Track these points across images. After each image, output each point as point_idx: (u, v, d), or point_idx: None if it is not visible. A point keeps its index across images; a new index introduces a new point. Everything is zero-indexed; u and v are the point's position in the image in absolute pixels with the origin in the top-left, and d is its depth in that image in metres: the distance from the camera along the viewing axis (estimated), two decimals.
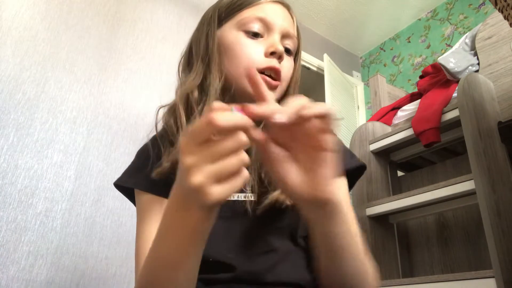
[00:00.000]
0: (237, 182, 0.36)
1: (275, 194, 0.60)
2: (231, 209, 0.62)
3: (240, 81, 0.65)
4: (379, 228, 1.63)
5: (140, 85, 1.79)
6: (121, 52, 1.79)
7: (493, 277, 1.14)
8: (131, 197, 0.68)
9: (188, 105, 0.65)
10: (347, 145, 1.98)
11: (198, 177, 0.35)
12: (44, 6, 1.63)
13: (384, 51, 3.20)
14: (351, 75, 3.19)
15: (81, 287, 1.35)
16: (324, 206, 0.43)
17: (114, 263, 1.44)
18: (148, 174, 0.62)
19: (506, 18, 1.04)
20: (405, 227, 1.77)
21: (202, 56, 0.68)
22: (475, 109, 1.36)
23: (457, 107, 1.42)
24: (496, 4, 1.04)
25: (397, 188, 1.78)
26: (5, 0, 1.54)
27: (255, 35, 0.66)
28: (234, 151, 0.35)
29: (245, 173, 0.37)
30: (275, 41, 0.65)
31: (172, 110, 0.67)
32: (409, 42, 3.00)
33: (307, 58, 2.83)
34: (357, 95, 3.04)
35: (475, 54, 1.61)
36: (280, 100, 0.71)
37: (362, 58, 3.41)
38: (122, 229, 1.50)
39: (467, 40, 1.68)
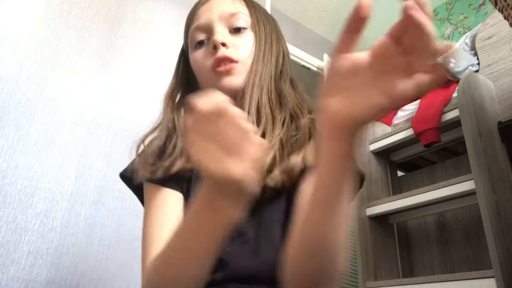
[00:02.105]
0: (250, 148, 0.34)
1: (276, 174, 0.57)
2: None
3: None
4: (379, 228, 1.63)
5: (140, 85, 1.79)
6: (121, 52, 1.79)
7: (493, 277, 1.14)
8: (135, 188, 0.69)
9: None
10: None
11: (206, 158, 0.36)
12: (44, 6, 1.63)
13: None
14: None
15: None
16: (359, 130, 0.38)
17: (114, 263, 1.44)
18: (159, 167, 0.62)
19: (506, 18, 1.04)
20: (405, 227, 1.77)
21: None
22: (475, 109, 1.36)
23: (457, 107, 1.41)
24: (496, 4, 1.04)
25: (397, 188, 1.78)
26: (4, 0, 1.54)
27: (201, 44, 0.69)
28: (227, 125, 0.35)
29: (254, 138, 0.35)
30: (211, 37, 0.67)
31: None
32: None
33: (307, 58, 2.83)
34: None
35: (475, 54, 1.60)
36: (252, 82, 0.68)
37: None
38: (122, 229, 1.50)
39: (467, 40, 1.68)
